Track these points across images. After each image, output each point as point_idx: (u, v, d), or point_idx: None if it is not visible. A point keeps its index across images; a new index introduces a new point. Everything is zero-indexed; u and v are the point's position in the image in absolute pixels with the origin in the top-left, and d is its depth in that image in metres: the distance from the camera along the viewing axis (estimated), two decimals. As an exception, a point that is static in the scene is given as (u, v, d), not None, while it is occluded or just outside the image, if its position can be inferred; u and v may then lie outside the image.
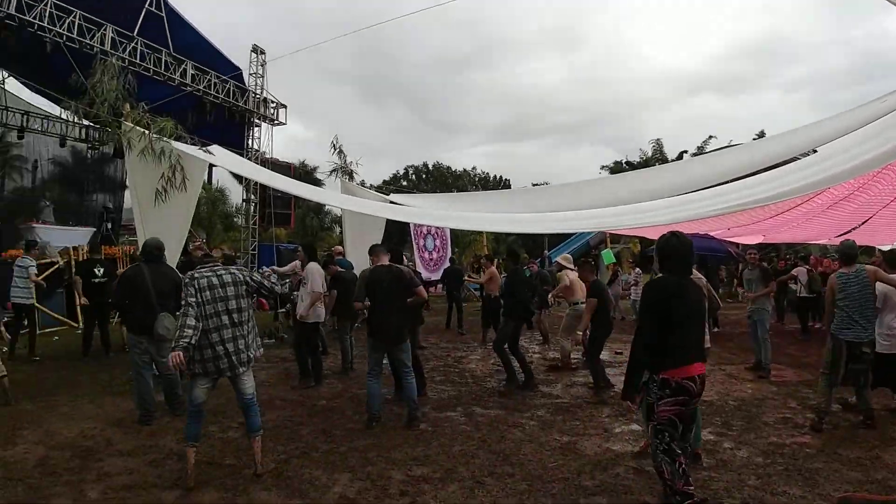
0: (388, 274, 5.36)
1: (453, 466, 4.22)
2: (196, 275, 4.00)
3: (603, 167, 38.26)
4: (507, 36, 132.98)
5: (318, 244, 23.93)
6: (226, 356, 3.92)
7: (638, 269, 14.06)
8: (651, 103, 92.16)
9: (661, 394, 3.10)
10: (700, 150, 27.09)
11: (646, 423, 3.56)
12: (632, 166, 29.79)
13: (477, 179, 54.33)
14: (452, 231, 17.88)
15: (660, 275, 3.37)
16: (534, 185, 28.09)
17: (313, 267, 6.92)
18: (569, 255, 8.69)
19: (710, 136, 28.38)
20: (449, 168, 54.22)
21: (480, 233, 20.73)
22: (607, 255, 15.58)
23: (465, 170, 55.09)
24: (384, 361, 5.48)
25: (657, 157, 29.45)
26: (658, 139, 30.49)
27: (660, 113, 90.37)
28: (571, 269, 7.88)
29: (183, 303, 3.92)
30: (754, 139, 20.02)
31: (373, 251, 5.69)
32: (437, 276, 14.70)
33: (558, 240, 25.65)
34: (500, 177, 55.52)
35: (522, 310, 6.99)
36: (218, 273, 4.05)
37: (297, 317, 7.02)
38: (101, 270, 8.37)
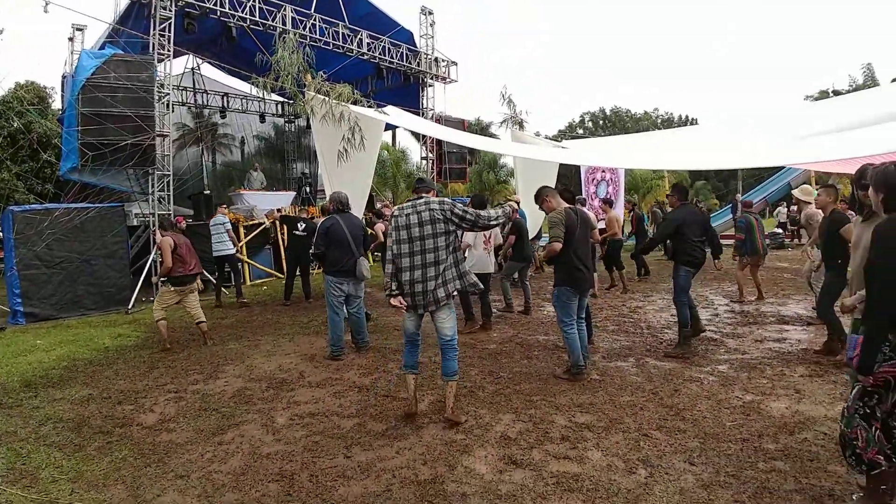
0: (580, 216, 5.09)
1: (619, 417, 4.12)
2: (396, 213, 4.13)
3: (807, 97, 33.68)
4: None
5: (494, 196, 24.50)
6: (422, 294, 4.01)
7: (851, 212, 11.85)
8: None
9: (891, 354, 2.60)
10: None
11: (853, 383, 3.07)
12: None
13: (660, 122, 50.71)
14: (629, 176, 16.92)
15: (886, 216, 2.73)
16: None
17: None
18: (808, 187, 7.14)
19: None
20: (628, 111, 51.25)
21: (662, 177, 19.30)
22: None
23: (645, 112, 51.61)
24: None
25: (869, 85, 24.85)
26: (869, 63, 25.70)
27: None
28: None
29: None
30: None
31: (546, 192, 5.23)
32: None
33: (754, 183, 23.09)
34: (687, 116, 51.15)
35: (694, 253, 5.85)
36: (419, 210, 4.04)
37: None
38: (303, 226, 9.44)
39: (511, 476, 3.27)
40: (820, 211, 6.07)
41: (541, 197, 5.23)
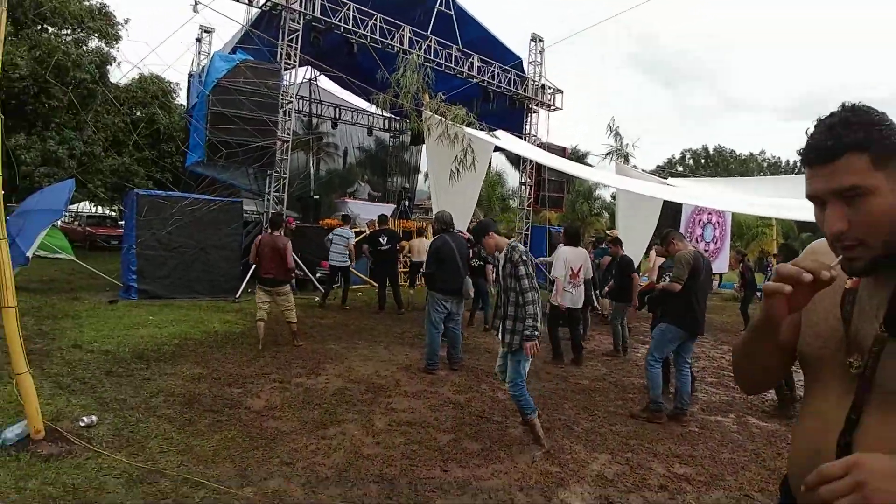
0: (705, 262, 5.09)
1: (720, 473, 3.97)
2: (528, 252, 4.33)
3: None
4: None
5: (587, 228, 24.15)
6: None
7: None
8: None
9: None
10: None
11: None
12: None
13: (765, 165, 48.10)
14: (735, 221, 16.17)
15: None
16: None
17: (560, 251, 6.94)
18: None
19: None
20: (732, 152, 48.93)
21: (769, 225, 18.34)
22: None
23: (751, 153, 49.07)
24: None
25: None
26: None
27: None
28: None
29: (527, 281, 4.14)
30: None
31: (673, 235, 5.29)
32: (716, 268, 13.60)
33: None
34: (794, 162, 48.12)
35: None
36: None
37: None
38: (385, 239, 9.65)
39: (609, 517, 3.25)
40: None
41: (667, 239, 5.28)
